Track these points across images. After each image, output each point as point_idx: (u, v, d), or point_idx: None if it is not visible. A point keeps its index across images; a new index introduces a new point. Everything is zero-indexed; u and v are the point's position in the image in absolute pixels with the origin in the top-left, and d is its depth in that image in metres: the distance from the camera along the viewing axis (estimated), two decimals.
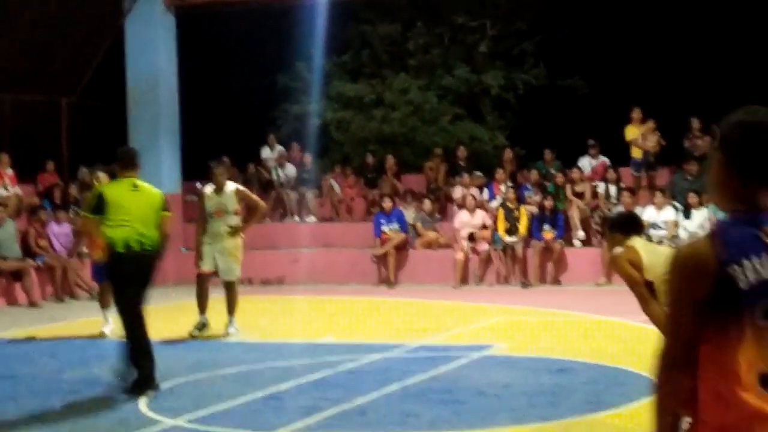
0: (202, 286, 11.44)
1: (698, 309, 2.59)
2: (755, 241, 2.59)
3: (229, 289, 11.46)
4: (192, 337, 11.31)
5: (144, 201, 8.64)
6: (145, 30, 18.85)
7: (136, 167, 8.80)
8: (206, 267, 11.40)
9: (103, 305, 11.59)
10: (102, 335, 11.41)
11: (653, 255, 6.17)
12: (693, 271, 2.60)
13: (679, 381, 2.63)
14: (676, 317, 2.64)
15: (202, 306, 11.46)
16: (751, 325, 2.57)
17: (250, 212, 12.00)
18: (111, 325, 11.54)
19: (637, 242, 6.31)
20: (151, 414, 7.62)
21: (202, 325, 11.45)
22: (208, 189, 11.54)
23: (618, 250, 6.37)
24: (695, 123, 17.81)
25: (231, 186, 11.52)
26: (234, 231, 11.33)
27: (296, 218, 19.47)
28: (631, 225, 6.54)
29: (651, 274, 6.14)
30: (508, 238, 16.61)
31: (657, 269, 6.05)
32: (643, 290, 6.12)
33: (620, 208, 16.50)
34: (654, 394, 2.68)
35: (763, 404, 2.57)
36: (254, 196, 12.08)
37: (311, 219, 19.32)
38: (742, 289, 2.56)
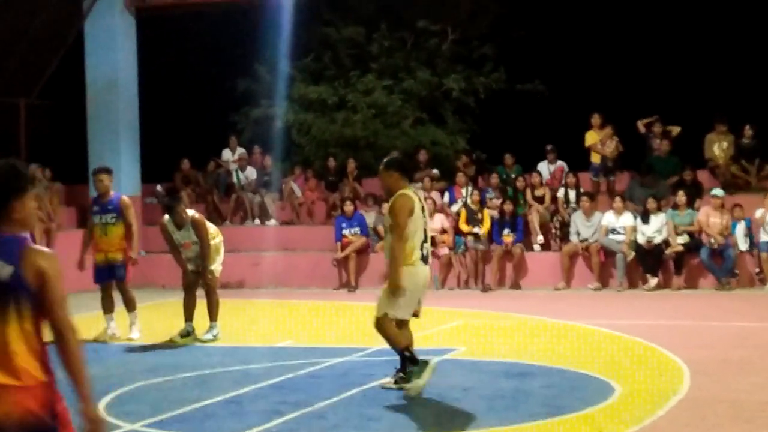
0: (189, 293, 11.38)
1: None
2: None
3: (208, 290, 11.34)
4: (171, 342, 11.23)
5: None
6: (105, 31, 18.71)
7: None
8: (191, 266, 11.36)
9: (106, 310, 11.66)
10: (129, 340, 11.48)
11: (418, 207, 7.99)
12: None
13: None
14: None
15: (189, 313, 11.37)
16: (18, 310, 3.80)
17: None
18: (138, 327, 11.64)
19: (409, 191, 8.08)
20: (109, 419, 7.56)
21: (187, 333, 11.32)
22: (168, 221, 11.22)
23: (404, 192, 7.97)
24: (657, 127, 18.09)
25: (189, 214, 11.21)
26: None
27: (257, 221, 19.42)
28: (409, 166, 8.45)
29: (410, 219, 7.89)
30: (473, 241, 16.68)
31: (416, 216, 7.96)
32: (404, 234, 7.88)
33: (579, 213, 16.66)
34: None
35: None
36: (202, 232, 11.08)
37: (272, 222, 19.28)
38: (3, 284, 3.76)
